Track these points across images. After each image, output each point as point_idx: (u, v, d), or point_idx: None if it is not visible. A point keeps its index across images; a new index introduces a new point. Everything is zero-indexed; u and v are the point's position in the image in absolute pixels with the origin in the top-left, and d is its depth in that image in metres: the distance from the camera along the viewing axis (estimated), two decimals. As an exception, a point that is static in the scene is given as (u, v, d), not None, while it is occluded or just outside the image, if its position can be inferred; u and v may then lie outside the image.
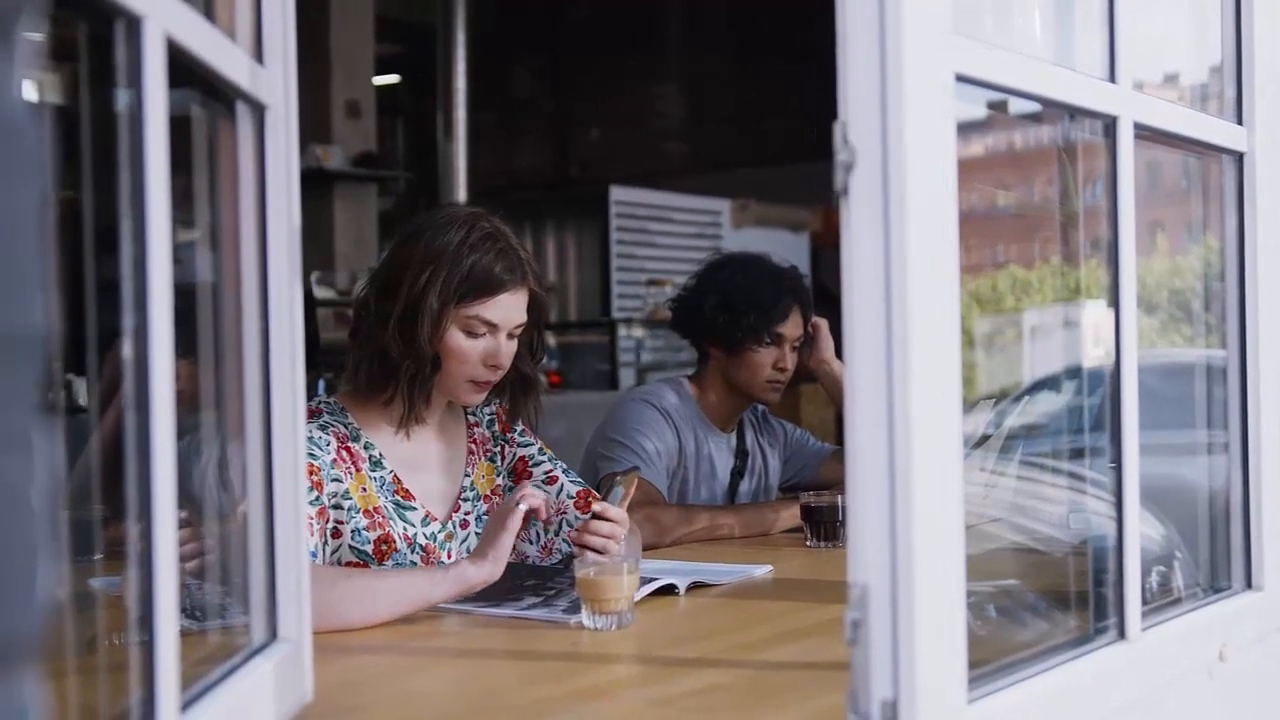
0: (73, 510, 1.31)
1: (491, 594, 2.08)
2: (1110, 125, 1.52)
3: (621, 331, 7.67)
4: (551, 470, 2.43)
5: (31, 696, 0.60)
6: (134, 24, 0.99)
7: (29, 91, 0.60)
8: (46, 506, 0.61)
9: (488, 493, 2.40)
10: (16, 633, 0.58)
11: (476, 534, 2.34)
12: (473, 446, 2.41)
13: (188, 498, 1.19)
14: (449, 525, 2.32)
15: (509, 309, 2.24)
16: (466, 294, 2.20)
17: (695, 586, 2.22)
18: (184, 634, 1.08)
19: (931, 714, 1.17)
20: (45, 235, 0.61)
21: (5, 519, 0.58)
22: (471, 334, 2.22)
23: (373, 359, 2.23)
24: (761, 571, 2.39)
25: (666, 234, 8.41)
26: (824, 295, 3.27)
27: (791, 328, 3.07)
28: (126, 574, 1.46)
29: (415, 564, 2.23)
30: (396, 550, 2.21)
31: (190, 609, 1.36)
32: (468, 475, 2.38)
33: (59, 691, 1.03)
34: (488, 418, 2.46)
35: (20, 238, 0.58)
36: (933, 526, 1.18)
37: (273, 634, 1.38)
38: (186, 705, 1.10)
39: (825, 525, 2.69)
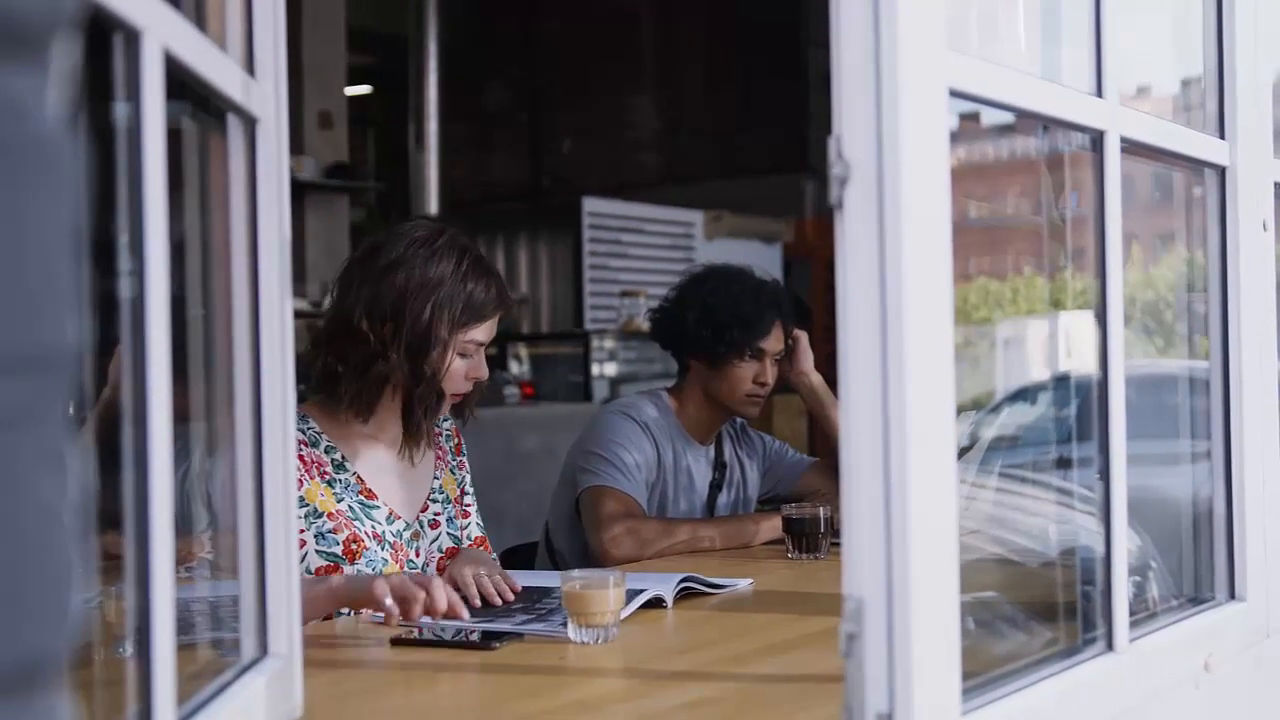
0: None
1: (484, 612, 2.07)
2: (1098, 139, 1.53)
3: (595, 343, 7.66)
4: (470, 506, 2.56)
5: (65, 714, 0.60)
6: (133, 37, 0.99)
7: (62, 107, 0.60)
8: (77, 524, 0.61)
9: (454, 498, 2.50)
10: (51, 650, 0.58)
11: (449, 534, 2.45)
12: (439, 453, 2.50)
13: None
14: (415, 525, 2.39)
15: (494, 327, 2.38)
16: (468, 321, 2.31)
17: (684, 593, 2.22)
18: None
19: (926, 726, 1.17)
20: (78, 253, 0.61)
21: (42, 537, 0.58)
22: (463, 355, 2.33)
23: (376, 384, 2.29)
24: (744, 584, 2.39)
25: (640, 245, 8.41)
26: (796, 306, 3.27)
27: (773, 342, 3.07)
28: (109, 589, 1.45)
29: (386, 560, 2.30)
30: (367, 549, 2.28)
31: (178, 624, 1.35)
32: (436, 478, 2.47)
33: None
34: (446, 431, 2.55)
35: (55, 255, 0.58)
36: (928, 540, 1.19)
37: (263, 650, 1.37)
38: (181, 722, 1.10)
39: (807, 537, 2.69)
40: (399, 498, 2.38)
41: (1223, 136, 1.85)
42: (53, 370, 0.59)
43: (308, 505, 2.24)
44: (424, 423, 2.34)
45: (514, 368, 7.63)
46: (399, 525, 2.36)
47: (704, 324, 3.05)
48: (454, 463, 2.54)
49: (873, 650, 1.17)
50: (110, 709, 1.16)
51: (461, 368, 2.33)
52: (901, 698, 1.16)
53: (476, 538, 2.51)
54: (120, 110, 1.02)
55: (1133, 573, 1.81)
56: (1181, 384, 2.03)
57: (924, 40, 1.19)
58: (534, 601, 2.16)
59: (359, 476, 2.33)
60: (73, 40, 0.63)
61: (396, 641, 1.92)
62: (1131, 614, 1.60)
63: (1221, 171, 1.85)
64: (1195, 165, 1.86)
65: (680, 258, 8.27)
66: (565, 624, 1.91)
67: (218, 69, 1.21)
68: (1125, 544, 1.55)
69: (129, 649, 1.13)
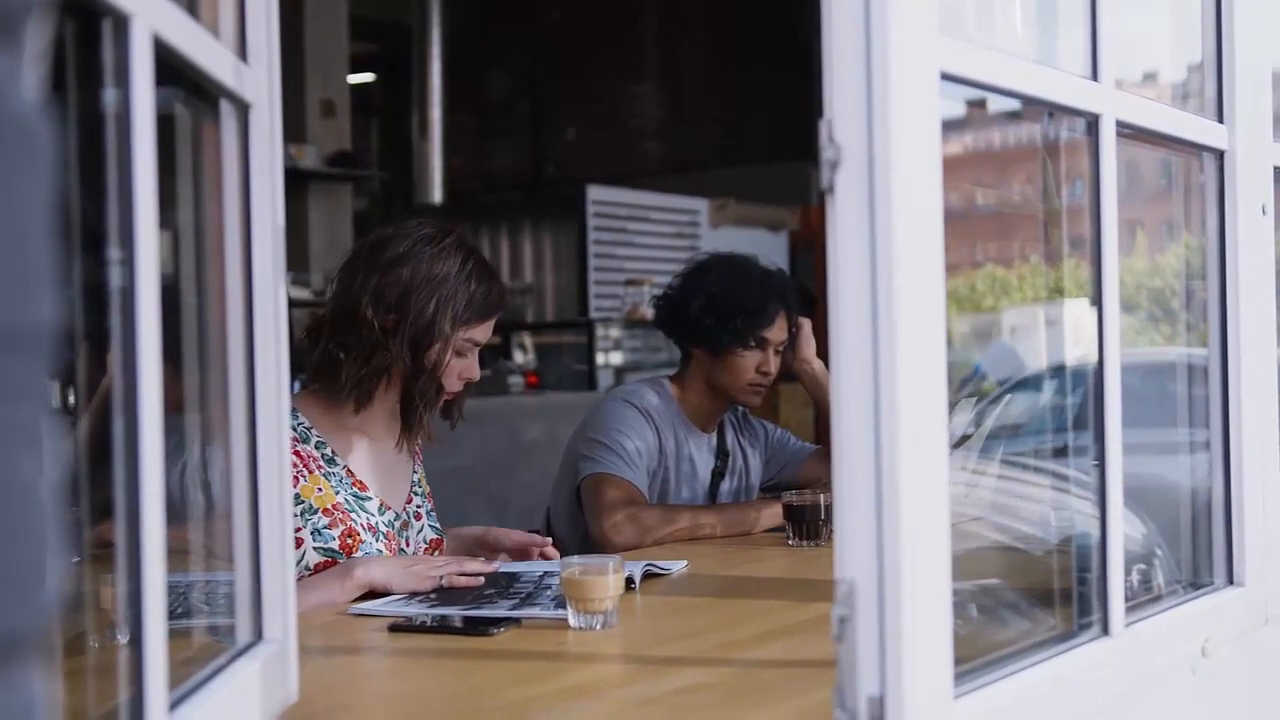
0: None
1: (463, 600, 2.07)
2: (1093, 123, 1.53)
3: (599, 332, 7.66)
4: (430, 506, 2.56)
5: (39, 691, 0.60)
6: (122, 22, 0.99)
7: (36, 89, 0.60)
8: (55, 502, 0.61)
9: (428, 493, 2.55)
10: (27, 627, 0.59)
11: (431, 526, 2.50)
12: (417, 450, 2.54)
13: (169, 499, 1.19)
14: (404, 515, 2.44)
15: (490, 329, 2.43)
16: (470, 319, 2.35)
17: (648, 576, 2.28)
18: (170, 634, 1.08)
19: (918, 710, 1.17)
20: (54, 233, 0.61)
21: (18, 514, 0.58)
22: (459, 354, 2.37)
23: (376, 374, 2.32)
24: (679, 566, 2.41)
25: (644, 234, 8.41)
26: (803, 295, 3.27)
27: (776, 332, 3.07)
28: (106, 576, 1.46)
29: (381, 551, 2.33)
30: (363, 542, 2.31)
31: (173, 609, 1.35)
32: (416, 472, 2.52)
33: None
34: None
35: (31, 235, 0.58)
36: (919, 523, 1.19)
37: (258, 634, 1.38)
38: (174, 705, 1.10)
39: (807, 524, 2.69)
40: (386, 490, 2.42)
41: (1221, 120, 1.85)
42: (29, 348, 0.59)
43: (304, 502, 2.27)
44: (424, 414, 2.38)
45: (518, 357, 7.64)
46: (389, 516, 2.40)
47: (708, 312, 3.05)
48: (423, 460, 2.59)
49: (864, 633, 1.18)
50: (107, 695, 1.16)
51: (456, 367, 2.37)
52: (893, 681, 1.17)
53: (432, 539, 2.52)
54: (110, 96, 1.02)
55: (1138, 560, 1.81)
56: (1187, 371, 2.02)
57: (915, 23, 1.19)
58: (507, 587, 2.17)
59: (349, 470, 2.37)
60: (47, 22, 0.63)
61: (394, 628, 1.92)
62: (1134, 600, 1.60)
63: (1220, 155, 1.85)
64: (1194, 149, 1.85)
65: (685, 246, 8.27)
66: (557, 605, 1.92)
67: (209, 54, 1.21)
68: (1120, 529, 1.55)
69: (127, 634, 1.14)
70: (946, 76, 1.25)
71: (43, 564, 0.60)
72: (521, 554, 2.47)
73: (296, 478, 2.26)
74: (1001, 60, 1.40)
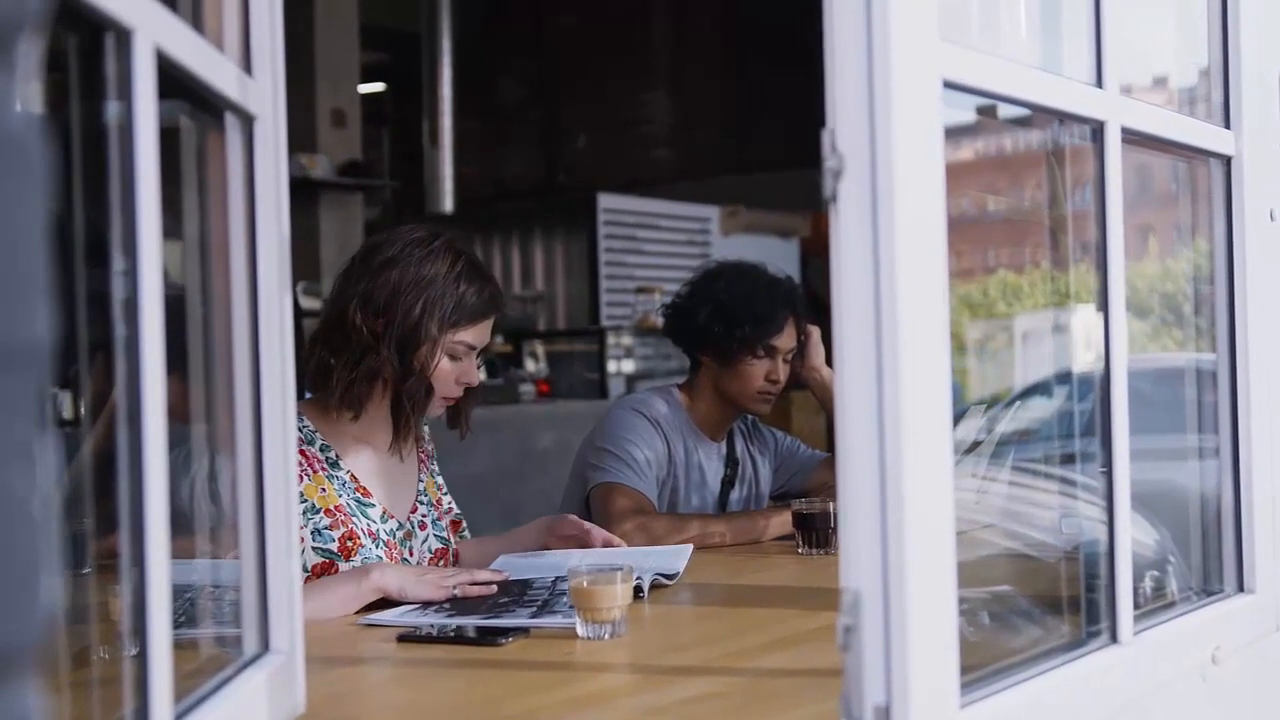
0: (62, 523, 1.31)
1: (478, 609, 2.07)
2: (1098, 130, 1.53)
3: (610, 340, 7.66)
4: (438, 516, 2.54)
5: (34, 706, 0.60)
6: (124, 36, 0.99)
7: (31, 104, 0.60)
8: (48, 517, 0.62)
9: (436, 500, 2.54)
10: (20, 642, 0.59)
11: (435, 535, 2.49)
12: (423, 458, 2.55)
13: (177, 511, 1.20)
14: (407, 524, 2.44)
15: (487, 332, 2.41)
16: (459, 321, 2.34)
17: (655, 586, 2.27)
18: (175, 645, 1.08)
19: (924, 719, 1.17)
20: (48, 247, 0.61)
21: (9, 529, 0.58)
22: (453, 357, 2.36)
23: (366, 379, 2.32)
24: (684, 555, 2.44)
25: (655, 241, 8.41)
26: (813, 302, 3.27)
27: (785, 340, 3.06)
28: (114, 588, 1.46)
29: (380, 558, 2.32)
30: (362, 546, 2.31)
31: (180, 618, 1.35)
32: (420, 481, 2.51)
33: (51, 704, 1.02)
34: (426, 434, 2.61)
35: (24, 250, 0.58)
36: (924, 531, 1.19)
37: (265, 645, 1.38)
38: (179, 717, 1.10)
39: (816, 532, 2.69)
40: (391, 498, 2.42)
41: (1229, 126, 1.84)
42: (23, 365, 0.59)
43: (306, 501, 2.27)
44: (412, 418, 2.38)
45: (530, 365, 7.63)
46: (392, 524, 2.39)
47: (716, 320, 3.05)
48: (433, 467, 2.59)
49: (870, 643, 1.17)
50: (114, 706, 1.17)
51: (451, 370, 2.36)
52: (899, 690, 1.16)
53: (437, 550, 2.51)
54: (113, 109, 1.02)
55: (1151, 567, 1.81)
56: (1202, 377, 2.01)
57: (916, 31, 1.19)
58: (520, 595, 2.17)
59: (353, 475, 2.37)
60: (41, 38, 0.63)
61: (402, 638, 1.92)
62: (1145, 607, 1.59)
63: (1227, 161, 1.84)
64: (1200, 155, 1.85)
65: (696, 253, 8.27)
66: (568, 613, 1.92)
67: (213, 67, 1.22)
68: (1129, 536, 1.55)
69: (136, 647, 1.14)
70: (949, 84, 1.25)
71: (35, 579, 0.60)
72: (580, 543, 2.51)
73: (300, 476, 2.26)
74: (1004, 67, 1.39)
